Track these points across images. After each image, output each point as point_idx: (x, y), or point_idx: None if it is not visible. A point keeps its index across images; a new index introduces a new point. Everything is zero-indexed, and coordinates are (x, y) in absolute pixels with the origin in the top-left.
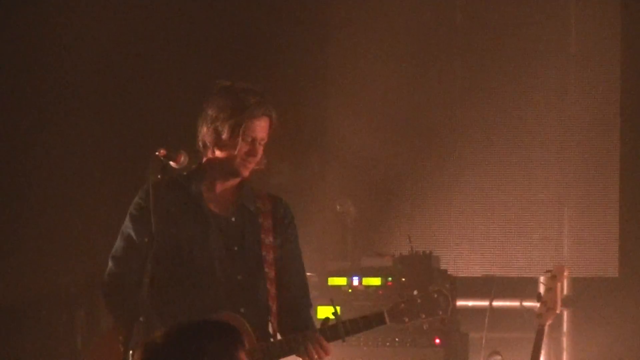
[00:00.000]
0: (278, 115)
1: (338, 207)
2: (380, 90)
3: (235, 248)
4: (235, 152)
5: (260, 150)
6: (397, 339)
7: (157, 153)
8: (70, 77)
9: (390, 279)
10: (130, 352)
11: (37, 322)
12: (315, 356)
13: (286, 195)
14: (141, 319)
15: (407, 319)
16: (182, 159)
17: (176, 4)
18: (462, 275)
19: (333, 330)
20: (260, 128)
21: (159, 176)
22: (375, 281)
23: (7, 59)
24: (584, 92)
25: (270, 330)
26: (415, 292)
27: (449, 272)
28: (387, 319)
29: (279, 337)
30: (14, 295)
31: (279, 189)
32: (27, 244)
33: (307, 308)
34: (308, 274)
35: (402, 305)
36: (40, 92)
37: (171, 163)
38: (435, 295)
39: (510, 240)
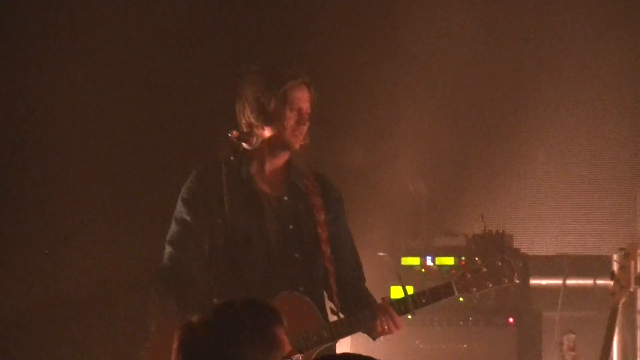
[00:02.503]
0: (321, 93)
1: (410, 187)
2: (452, 70)
3: (291, 227)
4: (285, 123)
5: (307, 120)
6: (470, 318)
7: (229, 134)
8: (115, 62)
9: (463, 258)
10: None
11: (112, 305)
12: (386, 328)
13: (359, 176)
14: (215, 300)
15: (474, 289)
16: (254, 140)
17: None
18: (535, 253)
19: (402, 304)
20: (304, 97)
21: (231, 157)
22: (449, 260)
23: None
24: None
25: (334, 307)
26: (479, 262)
27: (522, 251)
28: (455, 290)
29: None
30: (89, 280)
31: (351, 170)
32: (100, 228)
33: (363, 282)
34: (381, 253)
35: (468, 275)
36: (86, 76)
37: (243, 144)
38: (500, 264)
39: (583, 218)
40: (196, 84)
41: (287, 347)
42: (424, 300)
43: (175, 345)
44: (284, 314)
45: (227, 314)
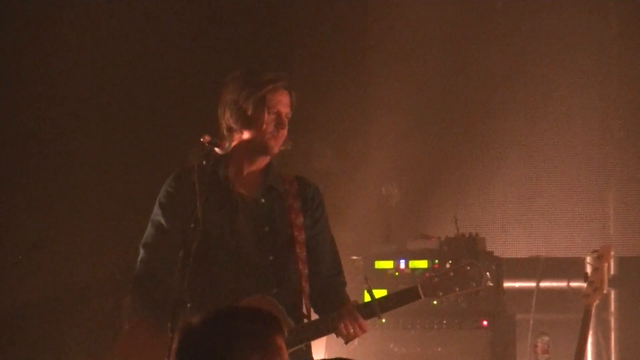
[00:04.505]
0: (296, 93)
1: (383, 190)
2: (423, 73)
3: (266, 229)
4: (264, 127)
5: (286, 123)
6: (444, 321)
7: (201, 139)
8: (99, 69)
9: (436, 261)
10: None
11: (84, 309)
12: (352, 331)
13: (331, 180)
14: (189, 305)
15: (441, 293)
16: (227, 144)
17: None
18: (508, 256)
19: (368, 308)
20: (283, 101)
21: (203, 162)
22: (422, 264)
23: (24, 54)
24: (626, 72)
25: (304, 310)
26: (447, 266)
27: (495, 254)
28: (421, 293)
29: (312, 317)
30: (60, 283)
31: (323, 173)
32: (71, 233)
33: (342, 286)
34: (354, 257)
35: (436, 279)
36: (67, 83)
37: (216, 149)
38: (468, 268)
39: (556, 220)
40: (172, 91)
41: (285, 356)
42: (390, 304)
43: (174, 346)
44: None
45: (229, 318)
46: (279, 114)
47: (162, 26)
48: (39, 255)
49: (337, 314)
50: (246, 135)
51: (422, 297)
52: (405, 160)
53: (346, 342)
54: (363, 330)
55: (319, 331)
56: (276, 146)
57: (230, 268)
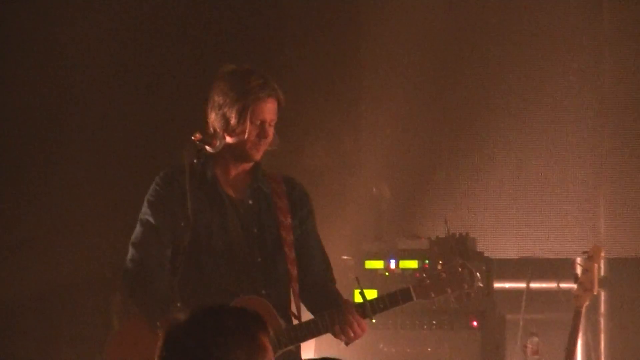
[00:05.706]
0: (284, 95)
1: (374, 189)
2: (415, 71)
3: (255, 230)
4: (246, 136)
5: (270, 131)
6: (434, 322)
7: (192, 137)
8: (84, 66)
9: (427, 261)
10: None
11: (74, 306)
12: (352, 333)
13: (321, 178)
14: (178, 304)
15: (433, 294)
16: (218, 143)
17: None
18: (498, 257)
19: (359, 309)
20: (268, 110)
21: (195, 160)
22: (412, 264)
23: (23, 51)
24: (619, 69)
25: (295, 311)
26: (439, 267)
27: (485, 254)
28: (413, 295)
29: (303, 317)
30: (50, 281)
31: (314, 171)
32: (61, 229)
33: (333, 284)
34: (344, 257)
35: (428, 280)
36: (54, 82)
37: (207, 147)
38: (460, 269)
39: (546, 221)
40: (160, 88)
41: (270, 355)
42: (381, 306)
43: (159, 343)
44: None
45: (214, 315)
46: (262, 123)
47: (151, 22)
48: (28, 253)
49: (337, 312)
50: (229, 139)
51: (415, 299)
52: (397, 159)
53: (347, 344)
54: (363, 331)
55: (312, 331)
56: (258, 155)
57: (219, 268)
